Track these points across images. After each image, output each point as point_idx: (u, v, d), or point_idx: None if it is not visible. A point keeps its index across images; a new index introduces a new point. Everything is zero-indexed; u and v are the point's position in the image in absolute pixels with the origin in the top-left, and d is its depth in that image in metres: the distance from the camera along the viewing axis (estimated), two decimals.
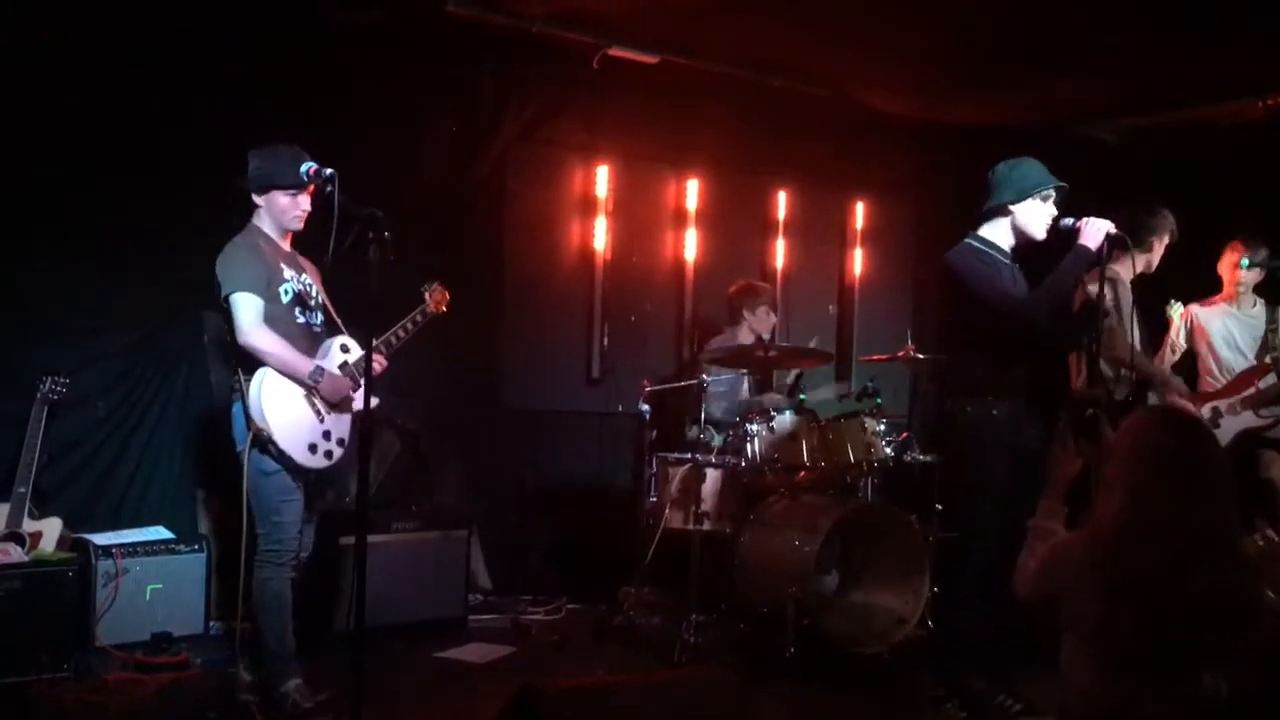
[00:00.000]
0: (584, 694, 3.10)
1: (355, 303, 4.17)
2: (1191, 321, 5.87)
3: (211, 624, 5.14)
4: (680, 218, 7.30)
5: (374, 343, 4.24)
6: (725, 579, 5.58)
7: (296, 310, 4.29)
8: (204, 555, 5.11)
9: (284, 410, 4.14)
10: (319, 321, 4.40)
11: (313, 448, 4.21)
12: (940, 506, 5.72)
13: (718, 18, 5.90)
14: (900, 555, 5.45)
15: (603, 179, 6.95)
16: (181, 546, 5.09)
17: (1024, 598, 2.91)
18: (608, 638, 5.61)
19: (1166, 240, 5.36)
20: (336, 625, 5.11)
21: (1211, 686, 2.47)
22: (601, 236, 6.96)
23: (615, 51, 6.35)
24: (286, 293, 4.25)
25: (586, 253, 6.97)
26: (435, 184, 6.25)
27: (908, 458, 5.79)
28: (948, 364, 4.62)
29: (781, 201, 7.65)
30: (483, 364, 6.59)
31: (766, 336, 6.50)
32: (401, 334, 4.42)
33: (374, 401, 4.25)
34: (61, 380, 4.95)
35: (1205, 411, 5.60)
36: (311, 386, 4.20)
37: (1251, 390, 5.61)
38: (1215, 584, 2.51)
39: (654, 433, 6.08)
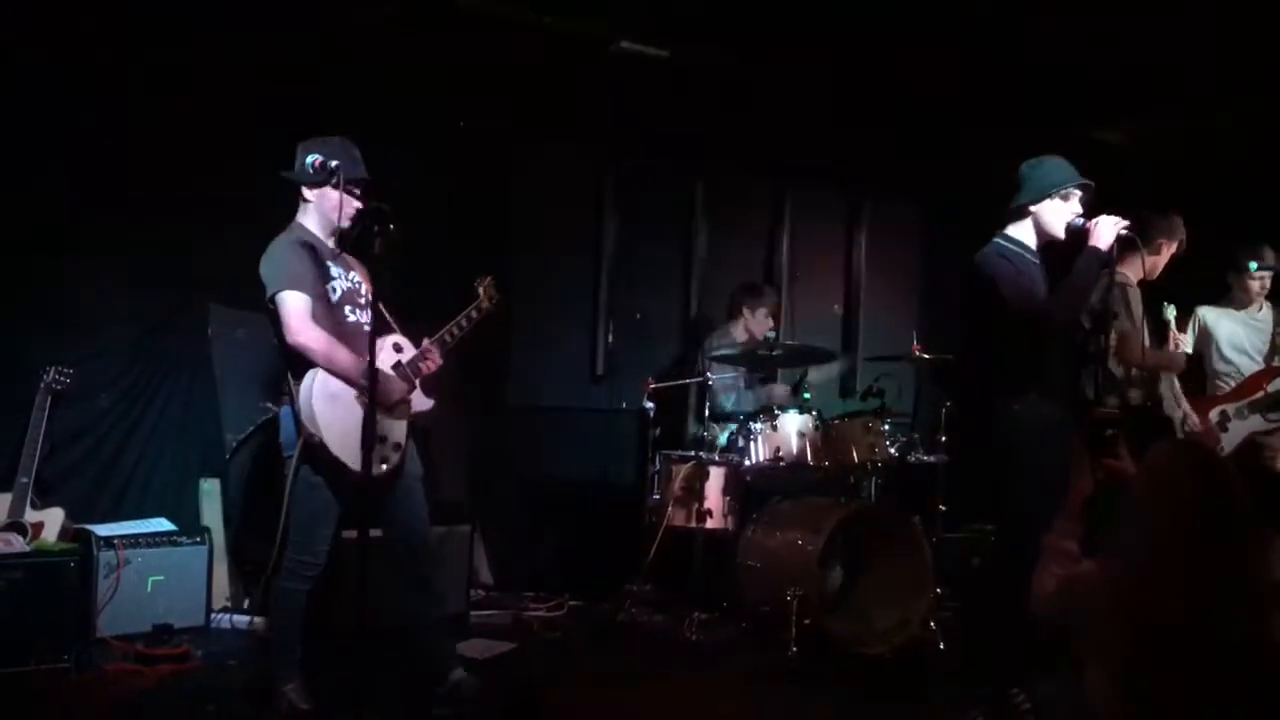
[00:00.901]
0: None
1: (411, 301, 4.08)
2: (1199, 324, 5.85)
3: (213, 615, 5.15)
4: (686, 215, 7.28)
5: (426, 342, 4.22)
6: (727, 577, 5.58)
7: (347, 309, 4.11)
8: (205, 547, 5.12)
9: (336, 414, 3.93)
10: (369, 321, 4.13)
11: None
12: (944, 507, 5.72)
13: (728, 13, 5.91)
14: (904, 556, 5.43)
15: (609, 175, 6.93)
16: (183, 538, 5.10)
17: (1040, 616, 2.85)
18: (609, 635, 5.59)
19: (1175, 246, 5.34)
20: (336, 620, 5.09)
21: None
22: (607, 233, 6.94)
23: (624, 46, 6.33)
24: (335, 290, 4.09)
25: (592, 249, 6.96)
26: (441, 179, 6.24)
27: (912, 458, 5.78)
28: (985, 363, 4.56)
29: (788, 199, 7.63)
30: (487, 360, 6.57)
31: (761, 338, 6.47)
32: (456, 331, 4.28)
33: (430, 403, 4.26)
34: (66, 371, 4.96)
35: (1214, 415, 5.59)
36: (364, 387, 3.94)
37: (1260, 394, 5.60)
38: (1247, 636, 2.45)
39: (657, 430, 6.07)
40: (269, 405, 5.78)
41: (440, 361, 4.22)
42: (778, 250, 7.64)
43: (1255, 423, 5.55)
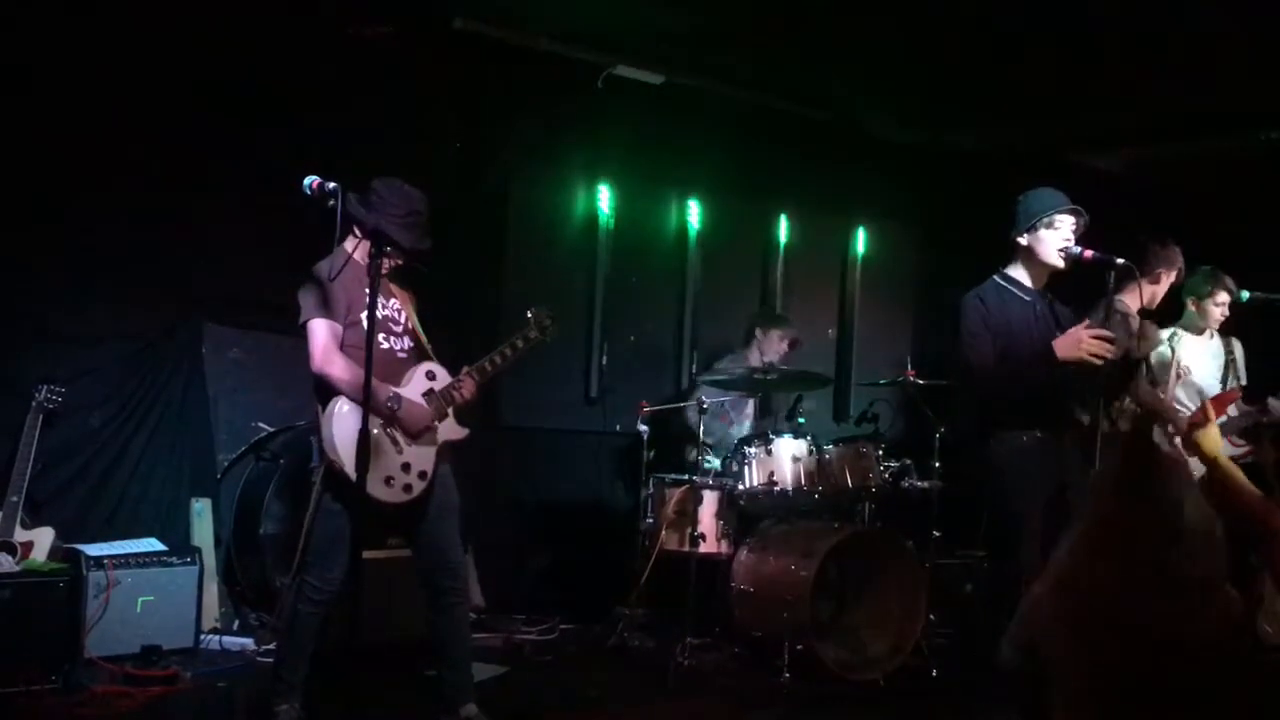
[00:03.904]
0: None
1: (461, 330, 4.05)
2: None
3: (203, 636, 5.12)
4: (681, 239, 7.30)
5: (465, 370, 4.20)
6: (720, 602, 5.56)
7: (380, 336, 4.03)
8: (195, 568, 5.08)
9: (356, 443, 3.85)
10: (404, 348, 4.18)
11: (390, 480, 3.98)
12: (937, 533, 5.71)
13: (722, 41, 5.94)
14: (897, 582, 5.43)
15: (604, 198, 6.95)
16: (173, 559, 5.06)
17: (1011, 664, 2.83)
18: (602, 659, 5.57)
19: (1174, 275, 5.37)
20: (329, 641, 5.07)
21: None
22: (602, 256, 6.95)
23: (619, 71, 6.36)
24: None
25: (587, 271, 6.97)
26: (438, 200, 6.23)
27: (905, 484, 5.78)
28: (966, 395, 4.59)
29: (782, 225, 7.65)
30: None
31: (777, 361, 6.48)
32: (499, 359, 4.24)
33: (464, 432, 4.25)
34: (57, 390, 4.93)
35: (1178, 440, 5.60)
36: (389, 414, 3.99)
37: (1223, 418, 5.62)
38: (1199, 633, 2.43)
39: (651, 453, 6.06)
40: (261, 425, 5.78)
41: (473, 390, 4.19)
42: (772, 274, 7.65)
43: (1224, 446, 5.55)
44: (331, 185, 3.82)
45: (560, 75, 6.37)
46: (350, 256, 4.02)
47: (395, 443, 4.03)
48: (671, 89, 6.57)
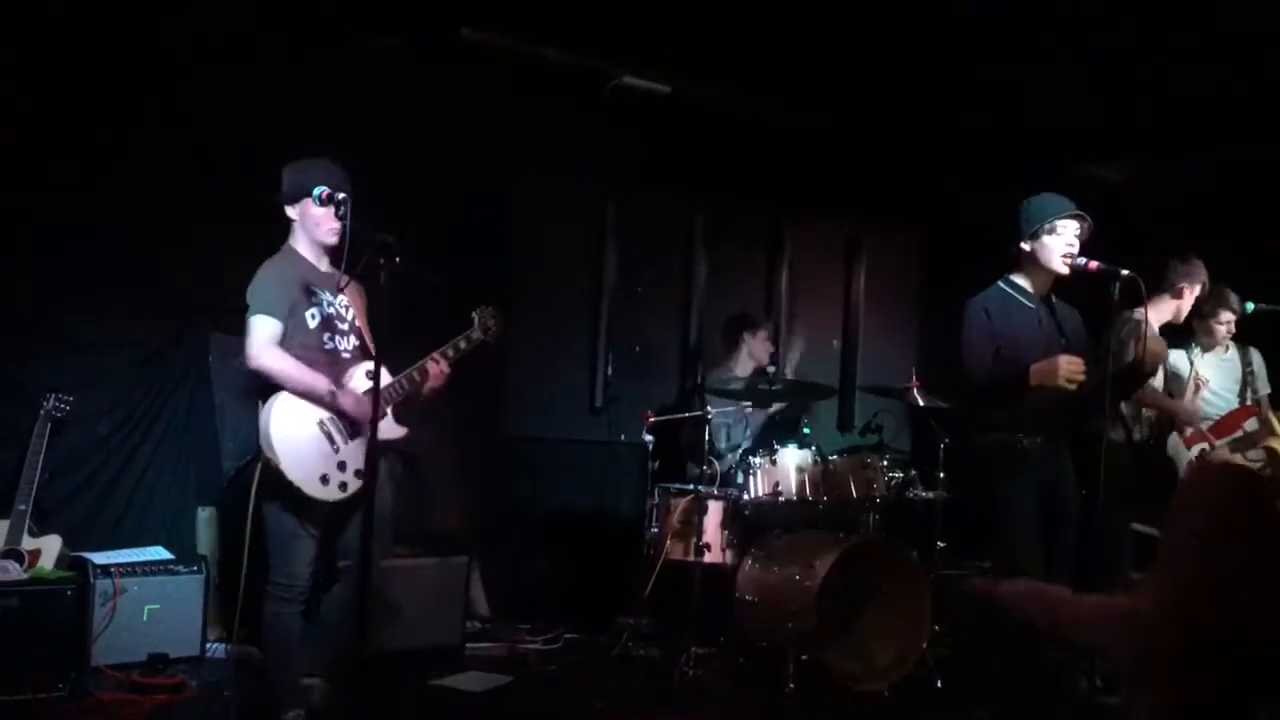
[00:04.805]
0: None
1: (411, 331, 4.08)
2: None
3: (209, 644, 5.12)
4: (686, 248, 7.30)
5: (425, 361, 4.20)
6: (725, 612, 5.55)
7: (324, 335, 4.11)
8: (202, 576, 5.09)
9: (294, 439, 3.94)
10: (349, 347, 4.19)
11: (325, 479, 3.98)
12: (942, 544, 5.72)
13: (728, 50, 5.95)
14: (902, 593, 5.42)
15: (610, 207, 6.96)
16: (180, 567, 5.07)
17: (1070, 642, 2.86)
18: (606, 669, 5.57)
19: (1198, 289, 5.39)
20: (338, 649, 5.08)
21: None
22: (608, 265, 6.96)
23: (626, 80, 6.37)
24: (314, 317, 4.07)
25: (592, 281, 6.98)
26: (443, 209, 6.26)
27: (910, 494, 5.78)
28: (970, 401, 4.61)
29: (787, 233, 7.66)
30: (485, 390, 6.57)
31: (766, 363, 6.50)
32: (450, 353, 4.24)
33: (403, 431, 4.24)
34: (65, 398, 4.94)
35: (1194, 452, 5.61)
36: (330, 405, 4.00)
37: (1239, 433, 5.64)
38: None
39: (656, 463, 6.07)
40: None
41: (445, 376, 4.17)
42: (777, 283, 7.66)
43: (1237, 460, 5.56)
44: (340, 195, 3.85)
45: (565, 85, 6.38)
46: (298, 252, 4.12)
47: (332, 441, 4.03)
48: (677, 98, 6.58)
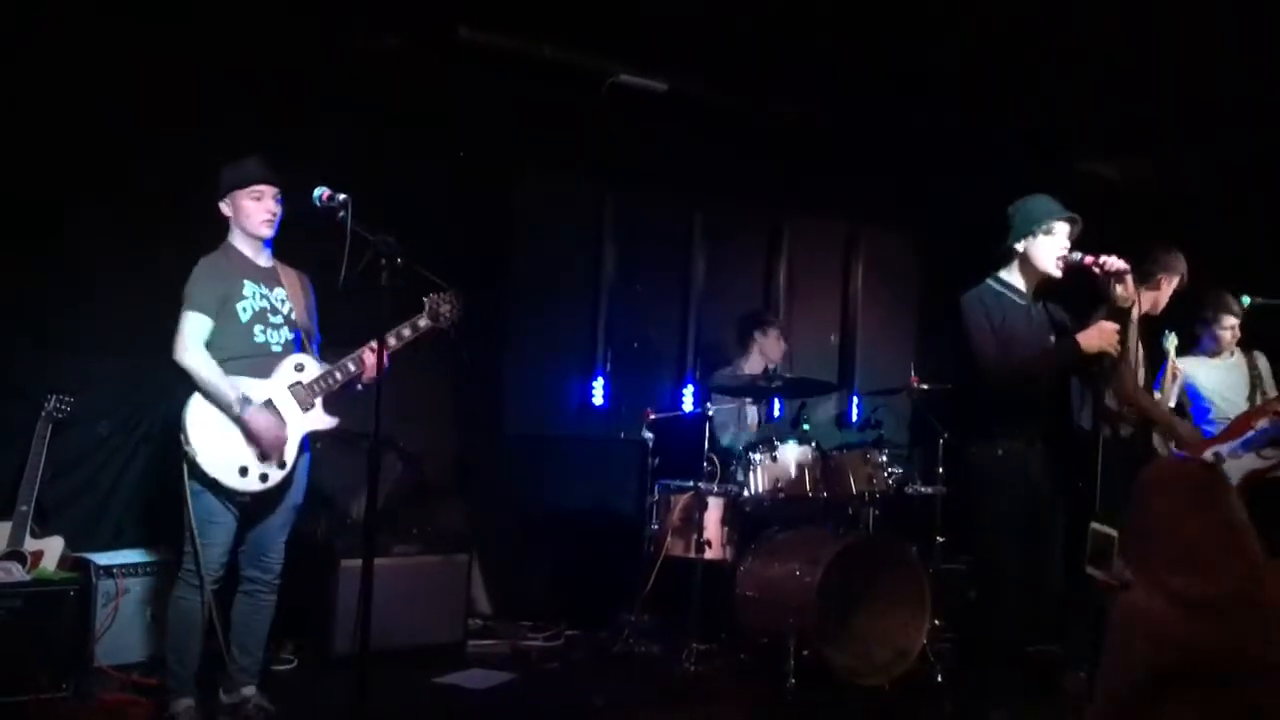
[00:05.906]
0: None
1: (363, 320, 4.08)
2: (1180, 377, 5.86)
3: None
4: (684, 245, 7.31)
5: (361, 350, 4.20)
6: (726, 608, 5.57)
7: (256, 328, 4.16)
8: None
9: (212, 432, 4.02)
10: (280, 340, 4.22)
11: (244, 471, 4.04)
12: (941, 539, 5.73)
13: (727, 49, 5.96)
14: (902, 587, 5.43)
15: (609, 205, 6.96)
16: None
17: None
18: (607, 665, 5.59)
19: (1176, 282, 5.38)
20: (335, 649, 5.10)
21: None
22: (606, 263, 6.97)
23: (624, 78, 6.38)
24: (245, 311, 4.14)
25: (591, 279, 6.99)
26: (442, 208, 6.26)
27: (909, 489, 5.80)
28: (956, 403, 4.65)
29: (785, 231, 7.67)
30: (485, 388, 6.59)
31: (776, 362, 6.50)
32: (394, 340, 4.19)
33: (333, 421, 4.26)
34: (67, 399, 4.94)
35: (1207, 455, 5.60)
36: (235, 418, 4.03)
37: (1251, 433, 5.63)
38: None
39: (656, 460, 6.08)
40: None
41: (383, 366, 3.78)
42: (775, 281, 7.67)
43: (1250, 461, 5.56)
44: (341, 196, 3.86)
45: (563, 83, 6.38)
46: (234, 246, 4.18)
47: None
48: (675, 96, 6.58)
